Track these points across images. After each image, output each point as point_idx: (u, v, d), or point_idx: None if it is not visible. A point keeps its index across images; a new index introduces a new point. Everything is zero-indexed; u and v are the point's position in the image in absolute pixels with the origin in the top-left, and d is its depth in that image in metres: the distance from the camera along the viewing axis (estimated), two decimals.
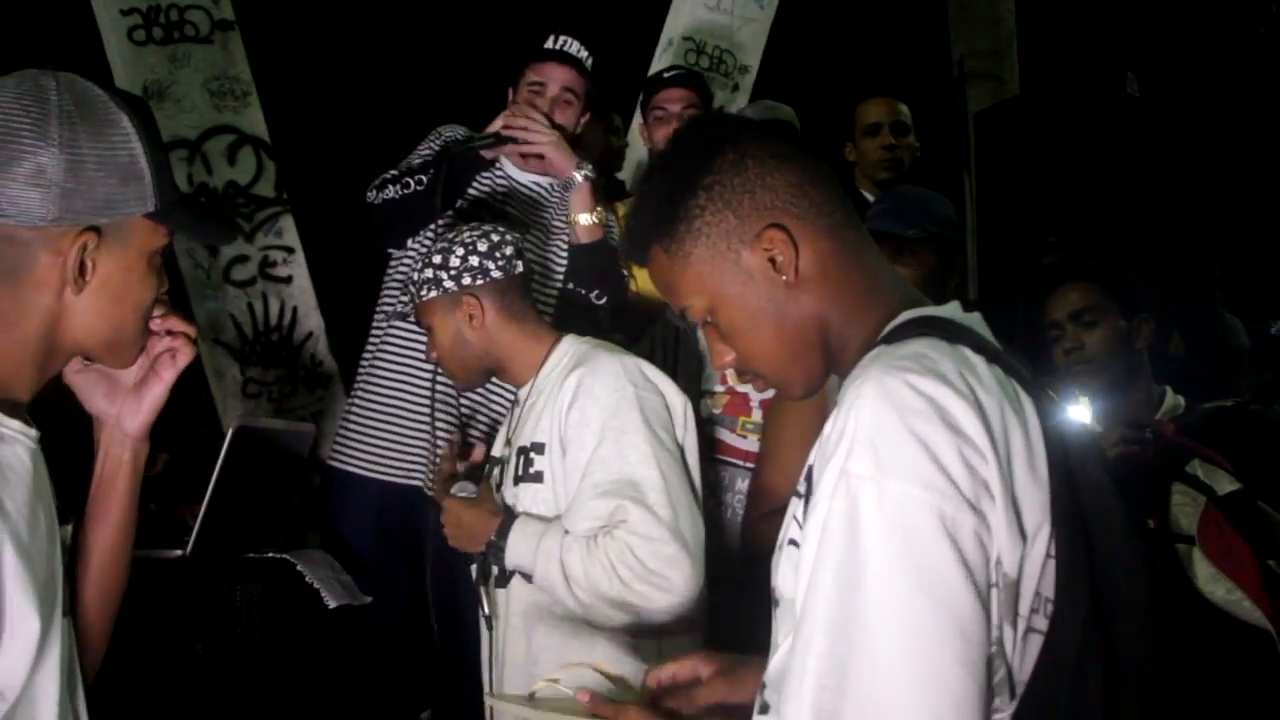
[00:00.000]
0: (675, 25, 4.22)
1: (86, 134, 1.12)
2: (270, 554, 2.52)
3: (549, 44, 2.77)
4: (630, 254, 1.25)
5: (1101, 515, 1.01)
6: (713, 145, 1.19)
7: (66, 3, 3.80)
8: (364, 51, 5.04)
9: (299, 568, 2.47)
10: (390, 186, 2.66)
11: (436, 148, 2.78)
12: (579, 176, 2.66)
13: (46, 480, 1.19)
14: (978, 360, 1.03)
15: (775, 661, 1.07)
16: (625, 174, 3.89)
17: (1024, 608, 0.98)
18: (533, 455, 1.97)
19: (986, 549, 0.95)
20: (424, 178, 2.63)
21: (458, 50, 5.06)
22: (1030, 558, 0.98)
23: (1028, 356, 1.19)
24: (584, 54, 2.78)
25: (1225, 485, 1.98)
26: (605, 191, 3.12)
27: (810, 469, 1.04)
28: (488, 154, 2.75)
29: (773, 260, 1.15)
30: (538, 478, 1.95)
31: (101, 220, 1.14)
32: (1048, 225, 3.56)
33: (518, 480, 1.98)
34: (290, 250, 3.86)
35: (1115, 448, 2.10)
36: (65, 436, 1.33)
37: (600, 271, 2.70)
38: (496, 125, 2.68)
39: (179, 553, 2.42)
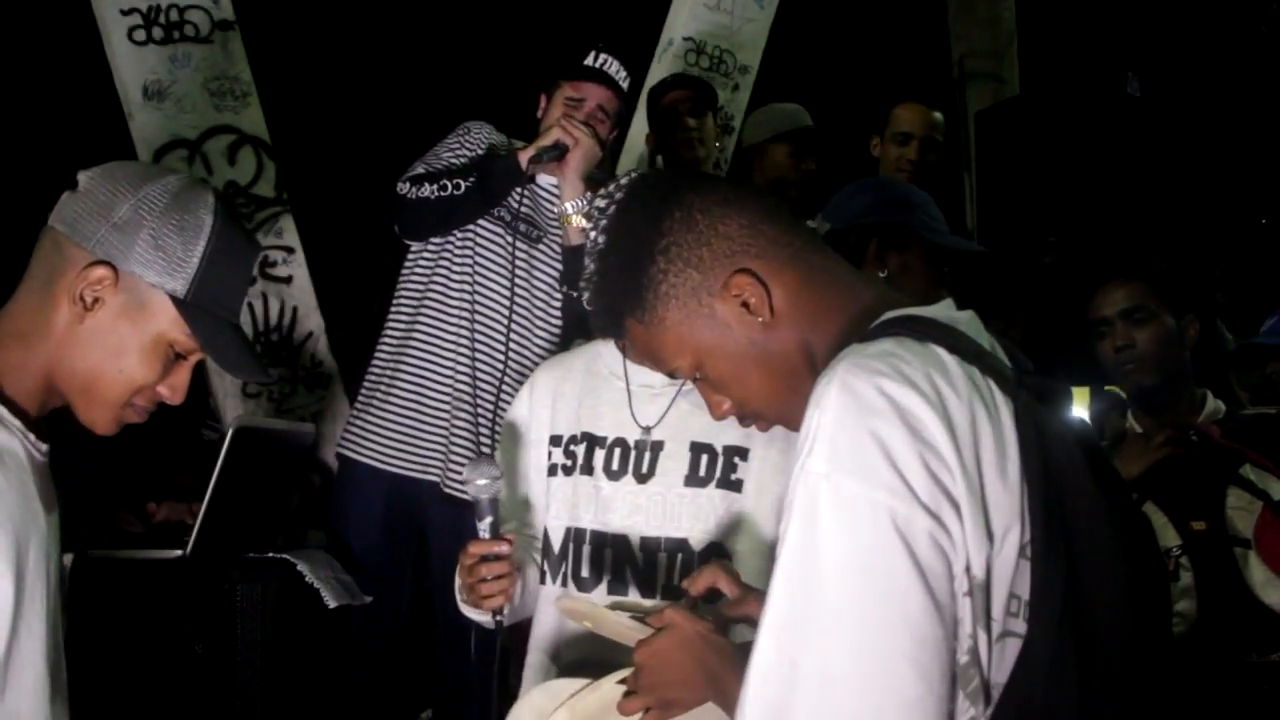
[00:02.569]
0: (675, 25, 4.22)
1: (165, 209, 1.25)
2: (270, 554, 2.52)
3: (590, 60, 2.75)
4: (606, 332, 1.25)
5: (1082, 516, 1.01)
6: (658, 208, 1.19)
7: (66, 3, 3.80)
8: (364, 51, 5.04)
9: (299, 568, 2.47)
10: (426, 185, 2.66)
11: (468, 145, 2.79)
12: (583, 198, 2.63)
13: (45, 491, 1.24)
14: (950, 360, 1.02)
15: None
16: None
17: (997, 610, 0.98)
18: (735, 461, 1.76)
19: (946, 554, 0.94)
20: (462, 183, 2.64)
21: (457, 50, 5.06)
22: (1000, 559, 0.98)
23: (1028, 355, 1.19)
24: (623, 74, 2.77)
25: (1279, 490, 1.98)
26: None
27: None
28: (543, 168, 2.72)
29: (746, 304, 1.15)
30: (738, 486, 1.76)
31: (121, 266, 1.23)
32: (1048, 225, 3.55)
33: (694, 482, 1.77)
34: (290, 250, 3.86)
35: (1161, 449, 2.09)
36: (79, 461, 1.38)
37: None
38: (553, 137, 2.64)
39: (179, 553, 2.42)
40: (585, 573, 1.78)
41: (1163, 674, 1.06)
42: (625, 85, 2.77)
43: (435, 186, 2.65)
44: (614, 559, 1.76)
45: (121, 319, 1.24)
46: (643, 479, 1.78)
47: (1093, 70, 3.79)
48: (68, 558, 1.35)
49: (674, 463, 1.78)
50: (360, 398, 2.90)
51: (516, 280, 2.74)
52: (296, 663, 2.55)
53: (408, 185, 2.69)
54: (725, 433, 1.76)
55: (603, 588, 1.76)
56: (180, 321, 1.26)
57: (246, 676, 2.42)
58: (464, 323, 2.75)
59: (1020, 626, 0.98)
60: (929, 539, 0.93)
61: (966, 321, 1.12)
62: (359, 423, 2.83)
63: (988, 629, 0.97)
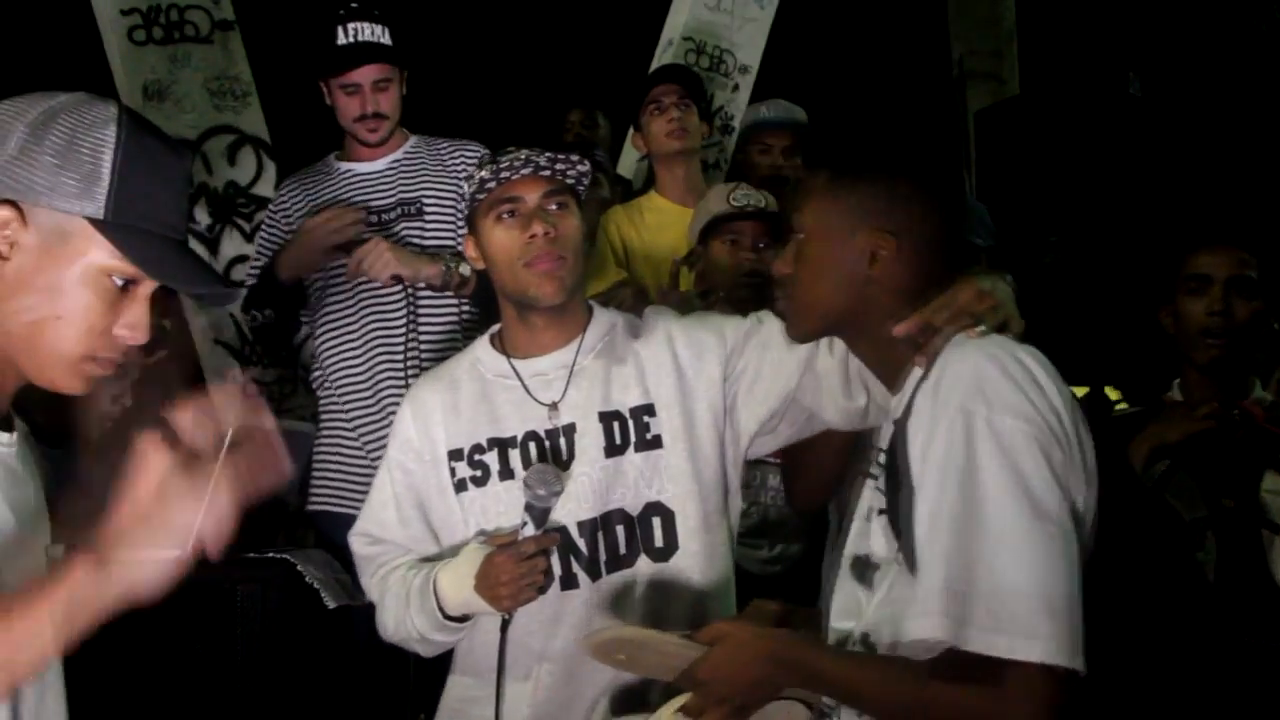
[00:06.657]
0: (675, 25, 4.22)
1: (61, 127, 1.15)
2: (270, 554, 2.52)
3: (342, 38, 2.64)
4: (812, 158, 1.51)
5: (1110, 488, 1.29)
6: (924, 169, 1.42)
7: (66, 3, 3.80)
8: None
9: (299, 568, 2.47)
10: (254, 311, 2.67)
11: (282, 227, 2.74)
12: (461, 270, 2.49)
13: (8, 489, 1.18)
14: (1039, 359, 1.28)
15: (877, 605, 1.29)
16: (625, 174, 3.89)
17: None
18: (645, 419, 1.77)
19: (1067, 483, 1.20)
20: (270, 312, 2.63)
21: (456, 49, 5.06)
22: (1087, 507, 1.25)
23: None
24: (380, 30, 2.67)
25: None
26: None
27: (882, 451, 1.32)
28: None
29: (874, 254, 1.35)
30: (657, 442, 1.76)
31: (26, 202, 1.13)
32: (1048, 225, 3.56)
33: (614, 451, 1.76)
34: None
35: (1203, 421, 2.06)
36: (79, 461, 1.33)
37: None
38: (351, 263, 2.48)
39: (179, 553, 2.41)
40: None
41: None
42: (389, 39, 2.67)
43: (248, 318, 2.69)
44: (559, 553, 1.73)
45: (45, 258, 1.13)
46: (565, 466, 1.75)
47: (1093, 70, 3.79)
48: (58, 548, 1.29)
49: (589, 440, 1.76)
50: (315, 454, 2.79)
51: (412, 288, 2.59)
52: (296, 663, 2.55)
53: (246, 317, 2.72)
54: (627, 394, 1.78)
55: (555, 586, 1.73)
56: (108, 245, 1.14)
57: (246, 676, 2.42)
58: (367, 351, 2.64)
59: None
60: (1062, 466, 1.20)
61: None
62: (318, 479, 2.73)
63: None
